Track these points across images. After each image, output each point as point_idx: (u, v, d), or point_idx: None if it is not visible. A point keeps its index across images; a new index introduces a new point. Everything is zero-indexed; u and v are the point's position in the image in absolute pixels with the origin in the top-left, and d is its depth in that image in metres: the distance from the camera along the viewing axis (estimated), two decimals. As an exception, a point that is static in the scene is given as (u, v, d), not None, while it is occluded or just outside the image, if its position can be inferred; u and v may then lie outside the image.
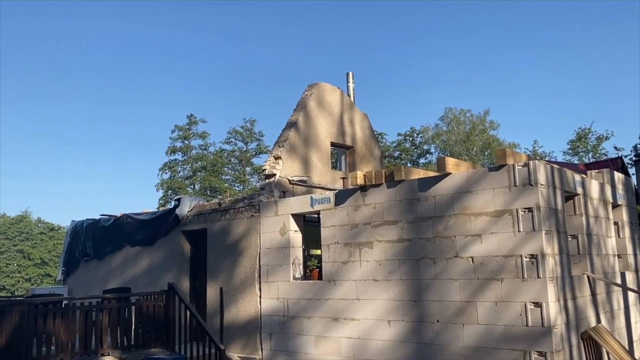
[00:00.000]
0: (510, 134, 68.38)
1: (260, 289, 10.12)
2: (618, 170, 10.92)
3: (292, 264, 9.75)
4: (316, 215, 9.74)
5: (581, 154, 37.12)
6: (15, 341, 7.77)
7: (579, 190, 8.32)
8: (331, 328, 8.92)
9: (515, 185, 7.21)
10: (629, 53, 57.97)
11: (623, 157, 17.44)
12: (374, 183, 8.65)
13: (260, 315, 10.03)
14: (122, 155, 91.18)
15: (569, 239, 7.94)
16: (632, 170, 17.32)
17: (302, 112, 11.71)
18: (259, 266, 10.18)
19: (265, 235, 10.18)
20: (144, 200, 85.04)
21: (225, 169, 46.21)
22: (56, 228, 63.94)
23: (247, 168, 45.93)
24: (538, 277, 6.88)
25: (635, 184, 12.71)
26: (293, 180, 11.12)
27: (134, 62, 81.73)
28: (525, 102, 63.64)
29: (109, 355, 8.69)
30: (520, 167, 7.20)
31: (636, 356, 9.12)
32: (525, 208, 7.08)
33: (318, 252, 10.17)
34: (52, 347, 8.30)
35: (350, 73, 14.02)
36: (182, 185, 43.47)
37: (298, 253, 9.91)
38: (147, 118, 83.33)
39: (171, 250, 12.27)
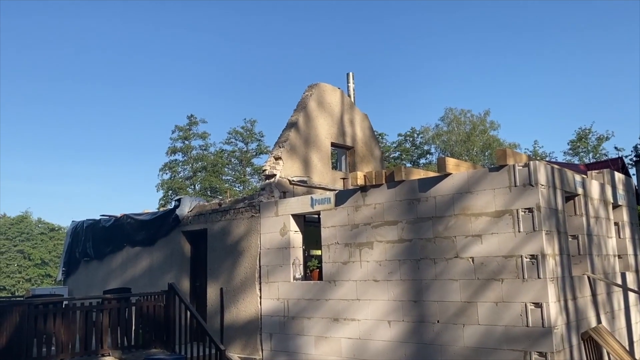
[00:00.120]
0: (510, 134, 68.40)
1: (260, 290, 10.12)
2: (618, 171, 10.93)
3: (293, 264, 9.75)
4: (316, 216, 9.74)
5: (581, 154, 37.09)
6: (16, 341, 7.78)
7: (580, 190, 8.31)
8: (331, 328, 8.92)
9: (515, 186, 7.21)
10: (629, 53, 58.01)
11: (623, 158, 17.39)
12: (374, 183, 8.65)
13: (261, 315, 10.03)
14: (122, 156, 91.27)
15: (570, 239, 7.94)
16: (632, 171, 17.30)
17: (302, 113, 11.71)
18: (259, 266, 10.19)
19: (265, 235, 10.18)
20: (144, 200, 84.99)
21: (226, 169, 46.18)
22: (56, 228, 63.91)
23: (247, 168, 45.91)
24: (538, 277, 6.88)
25: (636, 184, 12.71)
26: (293, 181, 11.12)
27: (134, 62, 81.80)
28: (526, 102, 63.71)
29: (109, 355, 8.70)
30: (521, 167, 7.20)
31: (637, 357, 9.11)
32: (525, 208, 7.08)
33: (318, 252, 10.17)
34: (52, 348, 8.31)
35: (351, 73, 14.04)
36: (183, 185, 43.46)
37: (298, 253, 9.91)
38: (147, 118, 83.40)
39: (171, 251, 12.27)
